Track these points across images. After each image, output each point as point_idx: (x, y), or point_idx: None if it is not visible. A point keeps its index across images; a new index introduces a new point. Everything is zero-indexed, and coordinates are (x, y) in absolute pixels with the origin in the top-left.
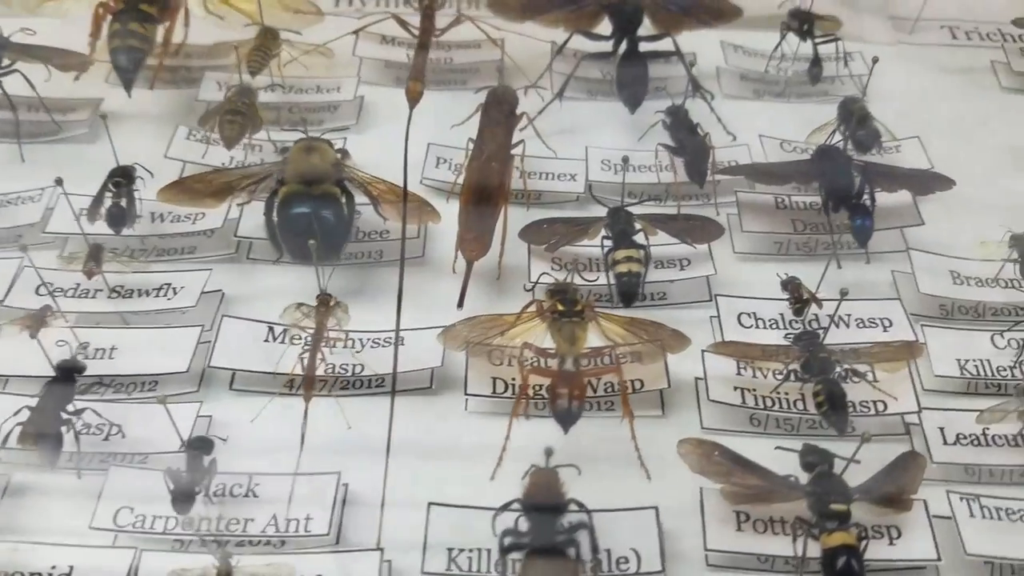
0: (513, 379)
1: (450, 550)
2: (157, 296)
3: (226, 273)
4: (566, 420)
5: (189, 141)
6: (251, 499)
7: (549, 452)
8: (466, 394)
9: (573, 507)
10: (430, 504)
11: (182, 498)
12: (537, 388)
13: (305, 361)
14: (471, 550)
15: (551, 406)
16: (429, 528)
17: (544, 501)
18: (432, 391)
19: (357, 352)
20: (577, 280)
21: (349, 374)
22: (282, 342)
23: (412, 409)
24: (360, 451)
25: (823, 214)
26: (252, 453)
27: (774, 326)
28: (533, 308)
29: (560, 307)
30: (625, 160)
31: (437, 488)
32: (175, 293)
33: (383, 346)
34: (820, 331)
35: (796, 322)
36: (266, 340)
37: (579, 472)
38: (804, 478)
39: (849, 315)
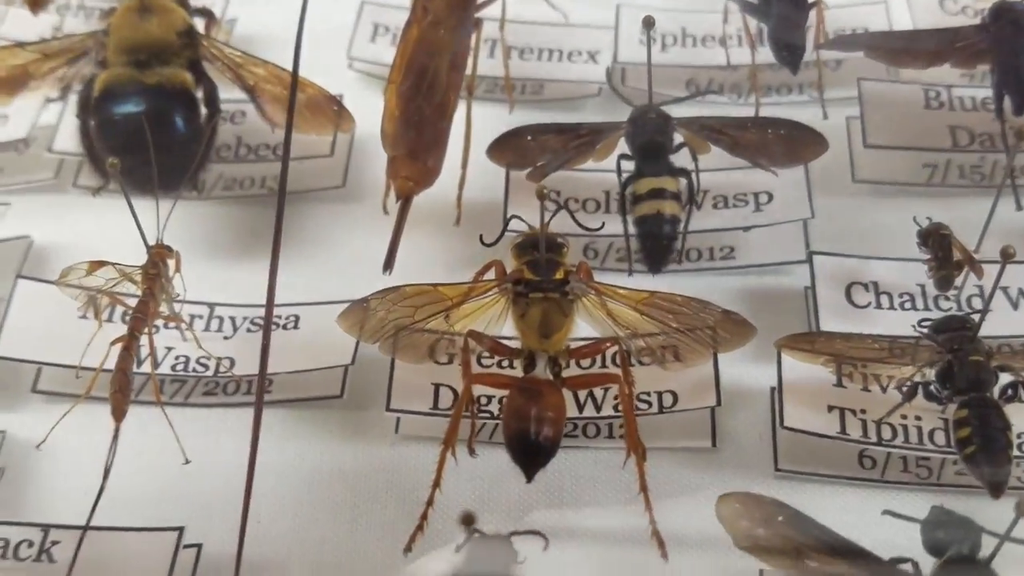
0: None
1: None
2: None
3: (37, 208)
4: (529, 459)
5: None
6: (44, 564)
7: (469, 520)
8: (388, 409)
9: None
10: None
11: None
12: (485, 403)
13: (117, 353)
14: None
15: (506, 435)
16: None
17: None
18: (342, 403)
19: (227, 338)
20: (569, 227)
21: (207, 372)
22: (108, 319)
23: (307, 431)
24: (220, 495)
25: (998, 118)
26: (53, 493)
27: (908, 305)
28: (492, 275)
29: (528, 274)
30: (648, 24)
31: (335, 557)
32: None
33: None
34: (975, 317)
35: (945, 298)
36: (85, 317)
37: (546, 544)
38: (928, 565)
39: None
